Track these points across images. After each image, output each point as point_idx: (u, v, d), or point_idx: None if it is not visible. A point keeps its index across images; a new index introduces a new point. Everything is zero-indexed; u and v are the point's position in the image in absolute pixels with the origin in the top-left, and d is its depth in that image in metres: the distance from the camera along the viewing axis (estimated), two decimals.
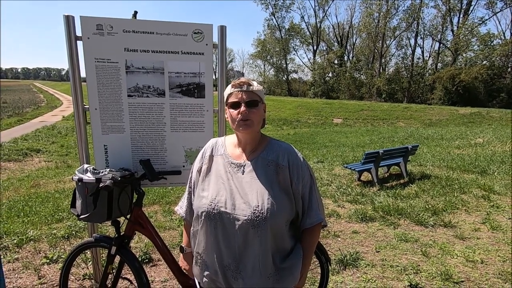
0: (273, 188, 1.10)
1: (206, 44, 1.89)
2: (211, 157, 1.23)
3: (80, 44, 1.78)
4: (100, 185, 1.49)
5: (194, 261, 1.22)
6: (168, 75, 1.88)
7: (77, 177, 1.58)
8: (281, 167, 1.13)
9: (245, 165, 1.15)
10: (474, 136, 12.01)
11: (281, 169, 1.13)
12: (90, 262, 2.49)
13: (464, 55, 35.78)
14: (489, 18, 37.14)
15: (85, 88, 1.84)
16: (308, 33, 47.66)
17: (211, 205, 1.10)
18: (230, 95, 1.14)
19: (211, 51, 1.90)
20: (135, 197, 1.77)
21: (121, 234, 1.73)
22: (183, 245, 1.36)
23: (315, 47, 47.48)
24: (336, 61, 44.23)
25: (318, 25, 46.15)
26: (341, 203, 4.40)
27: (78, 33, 1.77)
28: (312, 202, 1.17)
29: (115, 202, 1.63)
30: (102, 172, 1.60)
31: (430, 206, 4.13)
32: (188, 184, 1.30)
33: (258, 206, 1.06)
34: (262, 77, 52.73)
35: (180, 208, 1.33)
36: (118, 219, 1.73)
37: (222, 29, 1.89)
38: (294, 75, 51.99)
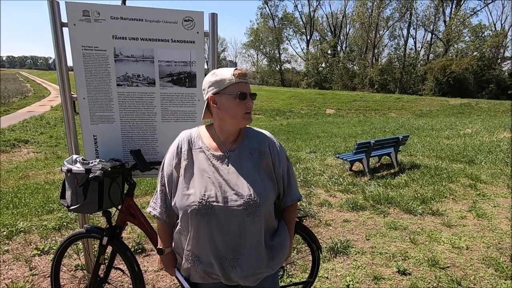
0: (260, 175, 1.13)
1: (197, 32, 1.85)
2: (189, 151, 1.16)
3: (66, 30, 1.73)
4: (90, 176, 1.47)
5: (184, 259, 1.18)
6: (158, 63, 1.84)
7: (66, 168, 1.55)
8: (264, 153, 1.16)
9: (228, 156, 1.13)
10: (463, 126, 12.24)
11: (264, 156, 1.16)
12: (82, 253, 2.48)
13: (455, 46, 36.04)
14: (481, 9, 37.58)
15: (73, 77, 1.79)
16: (301, 22, 47.21)
17: (201, 202, 1.07)
18: (234, 85, 1.07)
19: (202, 39, 1.86)
20: (127, 187, 1.75)
21: (113, 224, 1.72)
22: (160, 247, 1.27)
23: (308, 37, 47.11)
24: (329, 51, 44.03)
25: (312, 14, 45.70)
26: (332, 193, 4.46)
27: (64, 19, 1.71)
28: (291, 181, 1.24)
29: (106, 193, 1.61)
30: (92, 163, 1.58)
31: (419, 195, 4.23)
32: (159, 182, 1.21)
33: (251, 194, 1.07)
34: (255, 67, 52.27)
35: (153, 209, 1.22)
36: (109, 209, 1.72)
37: (214, 17, 1.85)
38: (287, 65, 51.67)
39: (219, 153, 1.14)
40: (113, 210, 1.72)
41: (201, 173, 1.12)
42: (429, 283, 2.34)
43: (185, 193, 1.10)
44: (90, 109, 1.82)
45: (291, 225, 1.28)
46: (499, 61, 34.81)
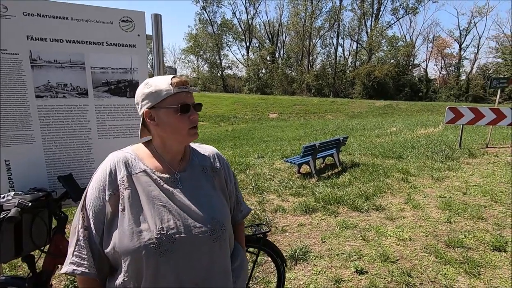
0: (217, 193, 1.04)
1: (138, 35, 1.62)
2: (129, 177, 0.94)
3: None
4: (2, 216, 1.14)
5: None
6: (90, 70, 1.56)
7: None
8: (216, 170, 1.07)
9: (179, 177, 0.97)
10: (388, 125, 13.80)
11: (217, 172, 1.07)
12: None
13: (376, 54, 41.01)
14: (394, 23, 43.37)
15: None
16: (240, 29, 48.05)
17: (159, 237, 0.88)
18: (173, 96, 0.91)
19: (145, 43, 1.64)
20: (55, 222, 1.43)
21: (38, 271, 1.37)
22: None
23: (248, 44, 48.16)
24: (268, 58, 45.72)
25: (250, 22, 46.88)
26: (285, 197, 4.49)
27: None
28: (239, 197, 1.18)
29: (26, 234, 1.27)
30: (4, 197, 1.23)
31: (362, 192, 4.52)
32: (79, 227, 0.91)
33: (214, 216, 0.96)
34: (196, 73, 51.29)
35: (79, 266, 0.90)
36: (33, 253, 1.37)
37: (157, 18, 1.65)
38: (229, 71, 51.96)
39: (168, 175, 0.96)
40: (38, 252, 1.38)
41: (151, 201, 0.91)
42: (385, 278, 2.46)
43: (135, 229, 0.88)
44: None
45: (243, 241, 1.23)
46: (410, 67, 40.60)
